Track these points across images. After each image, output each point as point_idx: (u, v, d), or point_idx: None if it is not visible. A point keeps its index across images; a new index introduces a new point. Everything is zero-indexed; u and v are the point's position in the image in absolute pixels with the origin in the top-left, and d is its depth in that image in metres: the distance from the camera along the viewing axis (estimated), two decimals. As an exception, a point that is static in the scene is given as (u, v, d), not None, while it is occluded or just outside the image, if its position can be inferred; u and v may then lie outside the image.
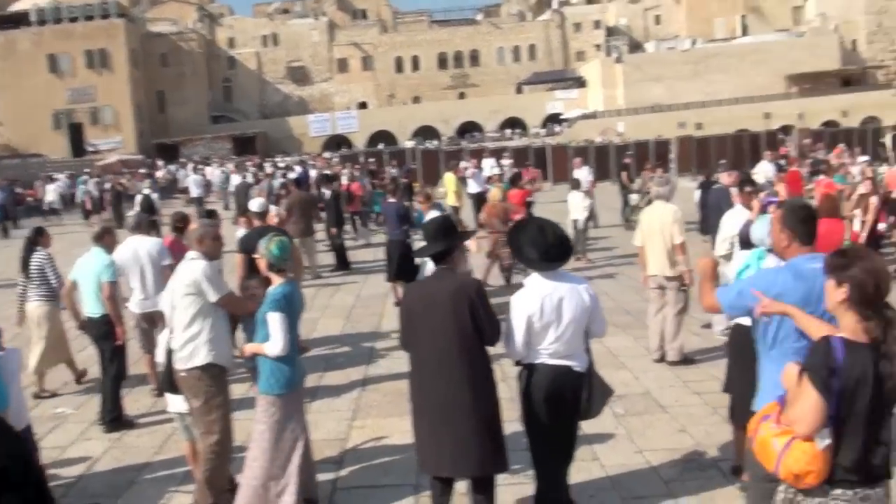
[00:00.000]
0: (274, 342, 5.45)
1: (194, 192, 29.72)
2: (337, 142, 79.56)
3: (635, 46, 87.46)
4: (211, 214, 12.94)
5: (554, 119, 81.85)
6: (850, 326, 3.31)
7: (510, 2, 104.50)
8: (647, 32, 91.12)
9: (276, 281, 5.62)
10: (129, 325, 8.66)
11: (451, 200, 19.16)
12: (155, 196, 26.12)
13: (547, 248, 4.94)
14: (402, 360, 9.64)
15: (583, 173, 22.27)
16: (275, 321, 5.44)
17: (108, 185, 33.38)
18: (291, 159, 51.68)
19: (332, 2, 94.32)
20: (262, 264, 5.69)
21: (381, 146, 61.14)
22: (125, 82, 75.48)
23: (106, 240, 8.26)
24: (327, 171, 26.10)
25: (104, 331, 8.12)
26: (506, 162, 31.99)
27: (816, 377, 3.21)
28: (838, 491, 3.31)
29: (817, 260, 3.99)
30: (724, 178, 9.99)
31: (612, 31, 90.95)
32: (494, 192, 15.05)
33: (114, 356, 8.18)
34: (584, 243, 17.21)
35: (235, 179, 29.39)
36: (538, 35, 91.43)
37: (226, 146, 75.22)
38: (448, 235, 5.23)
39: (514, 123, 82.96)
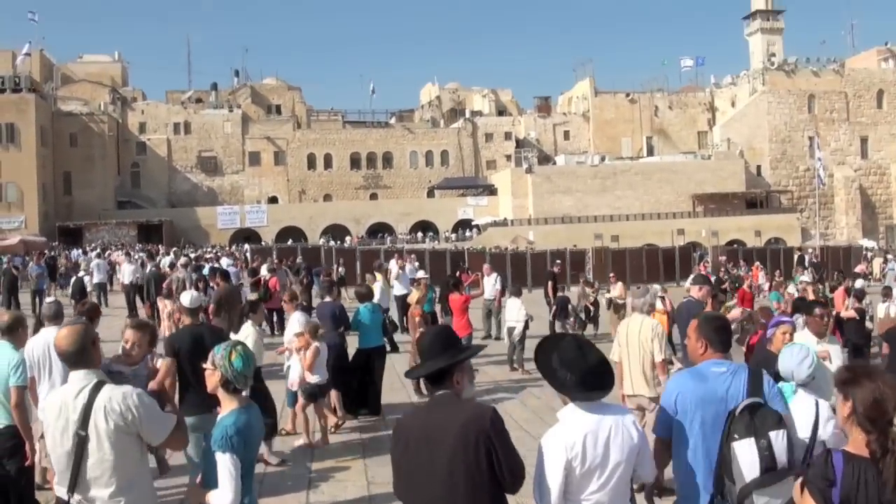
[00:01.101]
0: (223, 492, 4.19)
1: (97, 277, 27.74)
2: (245, 235, 77.95)
3: (545, 158, 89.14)
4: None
5: (464, 224, 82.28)
6: (854, 440, 3.42)
7: (423, 108, 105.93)
8: (556, 146, 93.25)
9: (229, 405, 4.41)
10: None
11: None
12: (87, 279, 24.35)
13: (588, 370, 3.98)
14: (350, 485, 8.52)
15: (489, 281, 21.71)
16: (225, 466, 4.18)
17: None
18: (219, 250, 50.04)
19: (246, 95, 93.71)
20: (212, 380, 4.45)
21: (290, 241, 59.97)
22: (32, 159, 72.38)
23: (18, 333, 6.96)
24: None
25: (10, 446, 6.63)
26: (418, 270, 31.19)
27: (815, 489, 3.33)
28: None
29: (723, 365, 4.51)
30: (695, 291, 9.32)
31: (522, 143, 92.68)
32: (415, 295, 14.23)
33: (20, 476, 6.63)
34: (521, 353, 16.44)
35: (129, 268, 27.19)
36: (451, 141, 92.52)
37: (131, 233, 72.94)
38: (449, 350, 4.19)
39: (425, 227, 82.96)
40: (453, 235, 79.04)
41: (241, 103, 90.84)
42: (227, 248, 54.84)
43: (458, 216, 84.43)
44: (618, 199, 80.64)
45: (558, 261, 29.69)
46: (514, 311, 16.44)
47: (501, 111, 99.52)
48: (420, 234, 79.53)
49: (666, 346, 8.69)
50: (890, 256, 47.56)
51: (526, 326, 16.72)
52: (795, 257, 45.56)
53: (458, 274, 21.46)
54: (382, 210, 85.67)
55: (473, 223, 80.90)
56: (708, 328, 4.60)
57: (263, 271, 23.36)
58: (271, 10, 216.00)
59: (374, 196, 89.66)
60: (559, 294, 22.36)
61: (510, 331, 16.38)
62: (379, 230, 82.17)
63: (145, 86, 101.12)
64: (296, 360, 10.69)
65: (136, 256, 34.77)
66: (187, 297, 8.28)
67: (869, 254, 56.07)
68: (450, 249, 45.07)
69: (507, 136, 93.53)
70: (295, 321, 11.36)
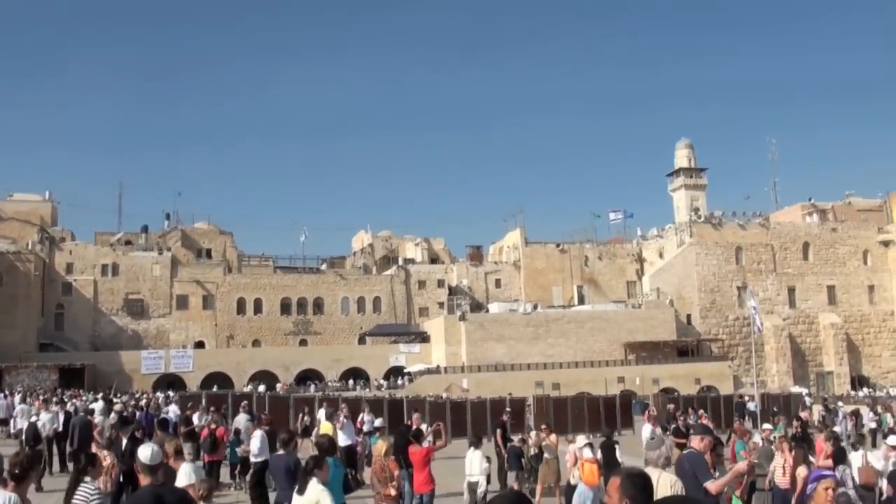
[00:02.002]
0: None
1: (21, 425, 25.66)
2: (169, 381, 75.46)
3: (477, 306, 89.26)
4: None
5: (396, 372, 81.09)
6: None
7: (355, 255, 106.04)
8: (488, 294, 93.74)
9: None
10: None
11: None
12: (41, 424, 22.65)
13: None
14: None
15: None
16: None
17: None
18: (168, 397, 47.79)
19: (176, 238, 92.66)
20: None
21: (215, 388, 58.11)
22: (-47, 298, 69.81)
23: None
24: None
25: None
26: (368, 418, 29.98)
27: None
28: None
29: None
30: (696, 441, 8.75)
31: (454, 291, 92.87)
32: (380, 446, 13.28)
33: None
34: (484, 509, 15.49)
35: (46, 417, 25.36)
36: (383, 288, 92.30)
37: (52, 377, 69.83)
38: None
39: (356, 374, 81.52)
40: (384, 383, 77.63)
41: (172, 246, 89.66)
42: (169, 396, 52.39)
43: (390, 363, 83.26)
44: (551, 347, 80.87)
45: (508, 409, 28.93)
46: (477, 464, 15.58)
47: (434, 259, 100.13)
48: (351, 382, 77.94)
49: None
50: (839, 405, 47.76)
51: (488, 481, 15.89)
52: (735, 404, 45.51)
53: (409, 424, 20.50)
54: (312, 356, 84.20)
55: (405, 370, 79.76)
56: (633, 487, 4.49)
57: (196, 420, 22.13)
58: (204, 155, 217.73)
59: (303, 342, 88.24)
60: (510, 444, 21.49)
61: (471, 486, 15.47)
62: (308, 377, 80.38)
63: (75, 226, 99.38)
64: None
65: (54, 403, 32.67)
66: (147, 452, 7.28)
67: (808, 400, 56.60)
68: (386, 398, 43.85)
69: (440, 283, 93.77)
70: (183, 473, 10.24)
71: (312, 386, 74.38)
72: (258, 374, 79.38)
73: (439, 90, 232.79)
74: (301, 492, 9.24)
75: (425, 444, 14.78)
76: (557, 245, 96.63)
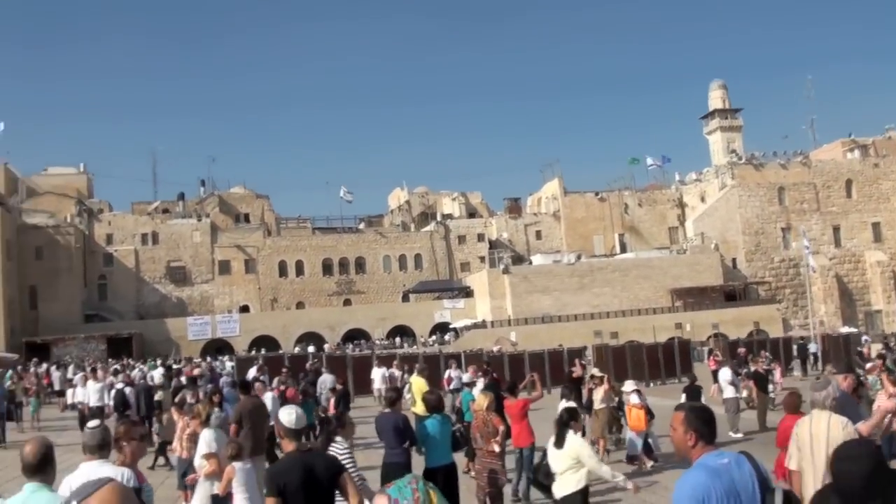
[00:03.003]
0: None
1: (93, 400, 24.87)
2: (217, 346, 75.83)
3: (518, 259, 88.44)
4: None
5: (442, 328, 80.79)
6: None
7: (392, 213, 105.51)
8: (528, 246, 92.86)
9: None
10: None
11: (419, 409, 16.33)
12: (129, 391, 22.18)
13: None
14: None
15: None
16: None
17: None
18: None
19: (214, 204, 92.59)
20: None
21: (263, 350, 57.85)
22: (-4, 274, 70.28)
23: (48, 472, 5.00)
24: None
25: None
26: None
27: None
28: None
29: (725, 456, 4.41)
30: (842, 381, 8.00)
31: (494, 244, 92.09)
32: (480, 400, 12.57)
33: None
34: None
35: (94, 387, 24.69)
36: (423, 245, 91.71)
37: (100, 347, 70.49)
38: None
39: (401, 331, 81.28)
40: (431, 339, 77.35)
41: (210, 212, 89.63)
42: (207, 360, 52.40)
43: (435, 319, 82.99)
44: (596, 297, 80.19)
45: (586, 357, 28.08)
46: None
47: (472, 213, 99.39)
48: (398, 339, 77.76)
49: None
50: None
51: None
52: (795, 347, 44.58)
53: (494, 376, 19.84)
54: (357, 316, 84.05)
55: (451, 326, 79.41)
56: (697, 420, 4.53)
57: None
58: (237, 119, 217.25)
59: (347, 302, 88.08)
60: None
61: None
62: (354, 336, 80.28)
63: (110, 197, 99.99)
64: (202, 489, 9.16)
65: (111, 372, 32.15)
66: (290, 415, 6.44)
67: (865, 339, 55.70)
68: (442, 353, 43.45)
69: (480, 237, 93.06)
70: (203, 441, 9.84)
71: (360, 343, 74.34)
72: (304, 335, 79.38)
73: (469, 41, 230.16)
74: (559, 444, 9.08)
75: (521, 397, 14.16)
76: (596, 194, 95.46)
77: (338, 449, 8.12)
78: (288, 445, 6.17)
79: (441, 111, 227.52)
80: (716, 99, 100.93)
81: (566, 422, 9.16)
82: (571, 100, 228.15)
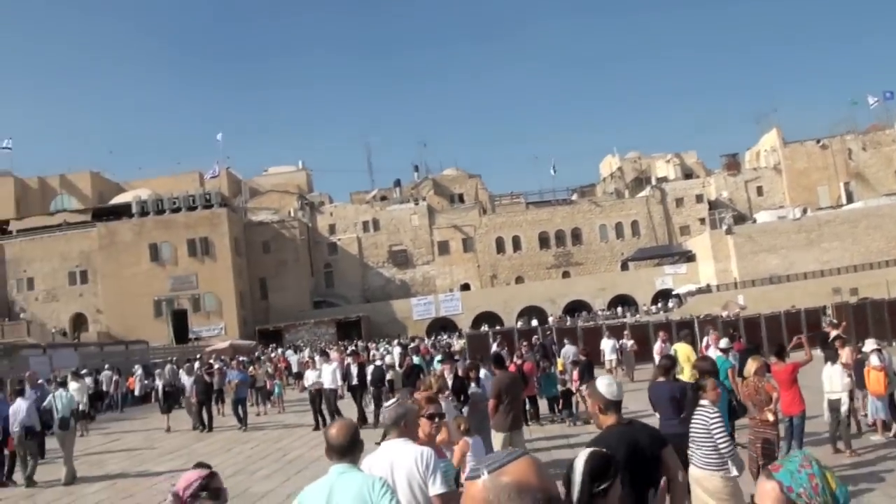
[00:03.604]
0: None
1: (327, 382, 25.26)
2: (441, 324, 77.43)
3: (740, 218, 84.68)
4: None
5: (664, 295, 78.65)
6: None
7: (605, 181, 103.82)
8: (750, 203, 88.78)
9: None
10: None
11: (686, 375, 15.48)
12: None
13: None
14: None
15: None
16: None
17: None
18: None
19: (428, 187, 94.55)
20: None
21: (484, 327, 58.17)
22: (228, 270, 75.32)
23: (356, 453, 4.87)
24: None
25: None
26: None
27: None
28: None
29: None
30: None
31: (714, 205, 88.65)
32: (751, 364, 11.68)
33: None
34: (848, 433, 13.65)
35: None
36: (639, 211, 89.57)
37: (329, 331, 73.64)
38: None
39: (623, 301, 79.79)
40: (654, 308, 75.38)
41: (425, 196, 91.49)
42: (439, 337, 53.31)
43: (657, 287, 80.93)
44: (825, 252, 75.33)
45: (833, 320, 26.26)
46: (837, 380, 13.75)
47: (688, 174, 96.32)
48: (619, 309, 76.32)
49: None
50: None
51: (851, 398, 14.00)
52: None
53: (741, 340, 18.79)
54: (577, 287, 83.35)
55: (674, 293, 77.16)
56: None
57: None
58: (445, 104, 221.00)
59: (566, 274, 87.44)
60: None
61: (832, 404, 13.67)
62: (576, 308, 79.67)
63: (330, 190, 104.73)
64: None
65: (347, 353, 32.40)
66: (609, 385, 5.88)
67: None
68: (677, 320, 42.26)
69: (699, 198, 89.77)
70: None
71: (581, 315, 73.54)
72: (525, 309, 79.52)
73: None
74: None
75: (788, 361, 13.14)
76: (817, 141, 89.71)
77: (708, 413, 7.60)
78: (608, 419, 5.66)
79: (646, 69, 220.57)
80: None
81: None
82: (783, 45, 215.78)
